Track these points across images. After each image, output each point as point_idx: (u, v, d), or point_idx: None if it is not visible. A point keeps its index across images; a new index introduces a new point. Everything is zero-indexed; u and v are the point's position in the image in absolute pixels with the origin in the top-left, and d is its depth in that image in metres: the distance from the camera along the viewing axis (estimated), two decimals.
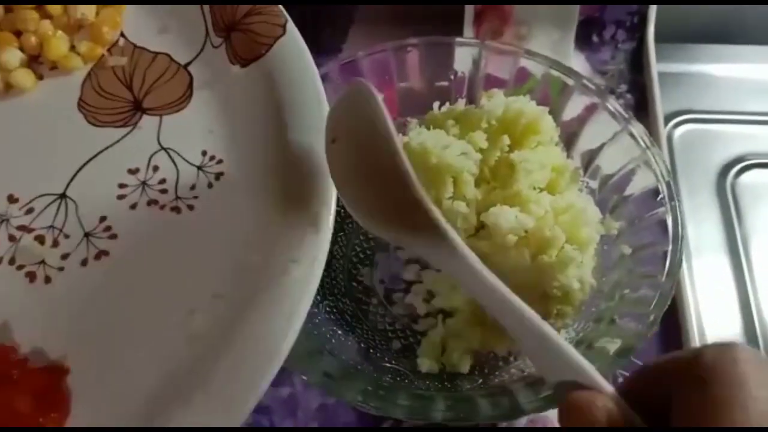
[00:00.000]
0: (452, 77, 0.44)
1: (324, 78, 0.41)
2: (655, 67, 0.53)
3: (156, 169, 0.35)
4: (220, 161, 0.35)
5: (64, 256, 0.32)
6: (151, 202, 0.34)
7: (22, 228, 0.33)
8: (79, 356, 0.30)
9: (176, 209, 0.33)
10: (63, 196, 0.33)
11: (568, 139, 0.42)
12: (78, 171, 0.34)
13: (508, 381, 0.36)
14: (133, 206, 0.33)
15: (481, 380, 0.37)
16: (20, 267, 0.32)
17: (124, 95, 0.37)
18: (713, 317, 0.45)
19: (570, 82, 0.41)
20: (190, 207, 0.34)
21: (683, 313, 0.43)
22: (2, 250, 0.32)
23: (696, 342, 0.42)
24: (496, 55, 0.43)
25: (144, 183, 0.34)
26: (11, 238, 0.32)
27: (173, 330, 0.30)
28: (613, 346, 0.33)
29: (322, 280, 0.40)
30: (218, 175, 0.34)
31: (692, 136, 0.53)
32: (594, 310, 0.38)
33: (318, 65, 0.37)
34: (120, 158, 0.35)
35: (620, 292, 0.37)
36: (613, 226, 0.39)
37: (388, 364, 0.38)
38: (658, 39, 0.54)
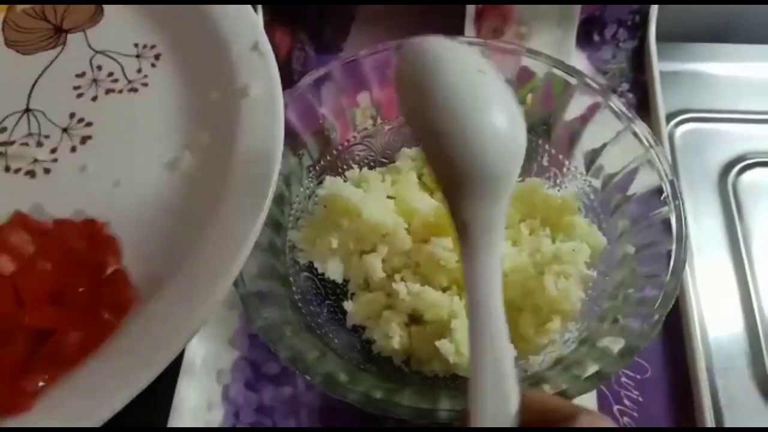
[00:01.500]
0: None
1: (326, 77, 0.41)
2: (657, 66, 0.53)
3: (100, 68, 0.40)
4: (153, 46, 0.41)
5: (53, 150, 0.37)
6: (109, 91, 0.39)
7: (3, 144, 0.37)
8: (104, 213, 0.35)
9: (134, 90, 0.39)
10: (27, 110, 0.39)
11: (571, 138, 0.42)
12: (31, 89, 0.39)
13: None
14: (94, 98, 0.39)
15: None
16: (17, 170, 0.36)
17: (43, 26, 0.42)
18: (715, 316, 0.45)
19: (572, 81, 0.41)
20: (145, 84, 0.40)
21: (685, 312, 0.43)
22: None
23: (698, 340, 0.42)
24: (499, 54, 0.43)
25: (95, 80, 0.39)
26: None
27: (175, 176, 0.35)
28: (616, 345, 0.33)
29: (324, 280, 0.40)
30: (157, 56, 0.40)
31: (693, 135, 0.53)
32: (597, 309, 0.38)
33: (319, 64, 0.37)
34: (64, 70, 0.40)
35: (624, 292, 0.37)
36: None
37: (391, 365, 0.38)
38: (660, 38, 0.54)
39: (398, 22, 0.49)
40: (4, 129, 0.37)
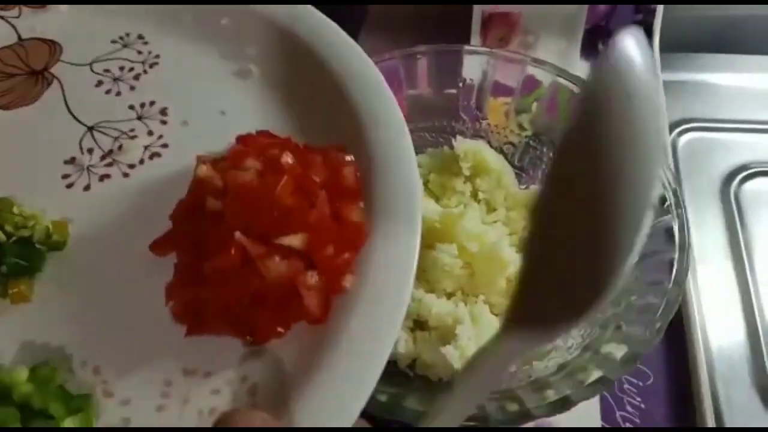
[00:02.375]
0: (460, 85, 0.45)
1: None
2: (660, 75, 0.53)
3: (107, 70, 0.39)
4: (128, 35, 0.41)
5: (150, 133, 0.37)
6: (137, 76, 0.39)
7: (105, 156, 0.36)
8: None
9: (154, 64, 0.39)
10: (89, 129, 0.37)
11: None
12: (72, 115, 0.38)
13: (515, 385, 0.37)
14: (132, 88, 0.38)
15: None
16: (141, 161, 0.35)
17: (20, 74, 0.40)
18: (717, 323, 0.45)
19: (577, 90, 0.42)
20: (158, 56, 0.40)
21: (687, 319, 0.44)
22: (117, 173, 0.35)
23: (700, 348, 0.43)
24: (505, 63, 0.44)
25: (115, 79, 0.39)
26: (107, 164, 0.36)
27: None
28: (619, 352, 0.34)
29: None
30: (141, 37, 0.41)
31: (696, 144, 0.53)
32: (600, 316, 0.38)
33: None
34: (80, 91, 0.38)
35: (626, 299, 0.37)
36: None
37: (396, 369, 0.38)
38: (663, 48, 0.55)
39: (405, 30, 0.50)
40: (91, 149, 0.36)
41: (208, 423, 0.28)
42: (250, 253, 0.28)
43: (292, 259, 0.28)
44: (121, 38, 0.41)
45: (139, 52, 0.40)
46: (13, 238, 0.31)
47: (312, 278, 0.28)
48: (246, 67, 0.39)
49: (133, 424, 0.28)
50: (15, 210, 0.32)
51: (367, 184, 0.32)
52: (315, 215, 0.29)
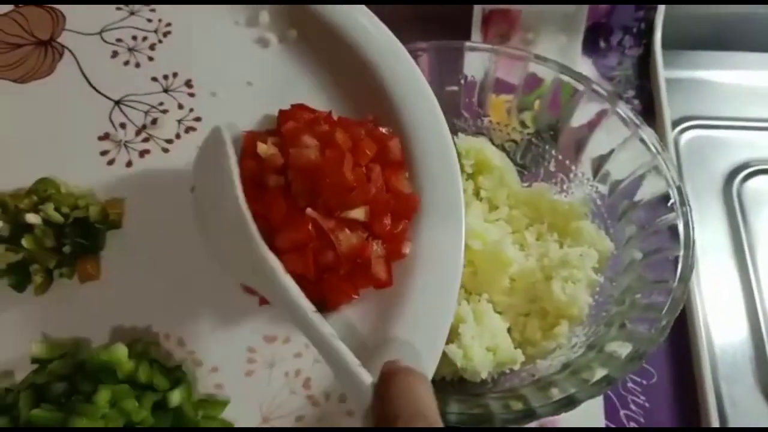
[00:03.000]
0: (462, 82, 0.44)
1: None
2: (663, 73, 0.53)
3: (120, 40, 0.38)
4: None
5: (180, 106, 0.36)
6: (153, 45, 0.38)
7: (140, 131, 0.35)
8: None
9: (167, 33, 0.39)
10: (116, 103, 0.36)
11: (578, 144, 0.43)
12: (95, 90, 0.37)
13: (519, 385, 0.37)
14: (151, 58, 0.38)
15: (492, 384, 0.37)
16: (177, 135, 0.35)
17: (27, 44, 0.38)
18: (720, 320, 0.45)
19: (580, 87, 0.41)
20: (169, 31, 0.39)
21: (691, 317, 0.44)
22: (157, 149, 0.35)
23: (704, 346, 0.42)
24: (506, 60, 0.43)
25: (130, 49, 0.38)
26: (144, 140, 0.35)
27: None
28: (624, 350, 0.34)
29: None
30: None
31: (698, 141, 0.53)
32: (605, 315, 0.38)
33: None
34: (95, 61, 0.37)
35: (631, 297, 0.37)
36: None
37: None
38: (665, 45, 0.54)
39: (406, 27, 0.49)
40: (123, 124, 0.35)
41: (296, 384, 0.30)
42: (322, 227, 0.30)
43: (358, 230, 0.30)
44: (125, 4, 0.39)
45: (149, 20, 0.39)
46: (70, 219, 0.32)
47: (378, 247, 0.31)
48: (264, 36, 0.38)
49: (226, 391, 0.30)
50: (63, 190, 0.32)
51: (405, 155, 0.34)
52: (373, 189, 0.31)
